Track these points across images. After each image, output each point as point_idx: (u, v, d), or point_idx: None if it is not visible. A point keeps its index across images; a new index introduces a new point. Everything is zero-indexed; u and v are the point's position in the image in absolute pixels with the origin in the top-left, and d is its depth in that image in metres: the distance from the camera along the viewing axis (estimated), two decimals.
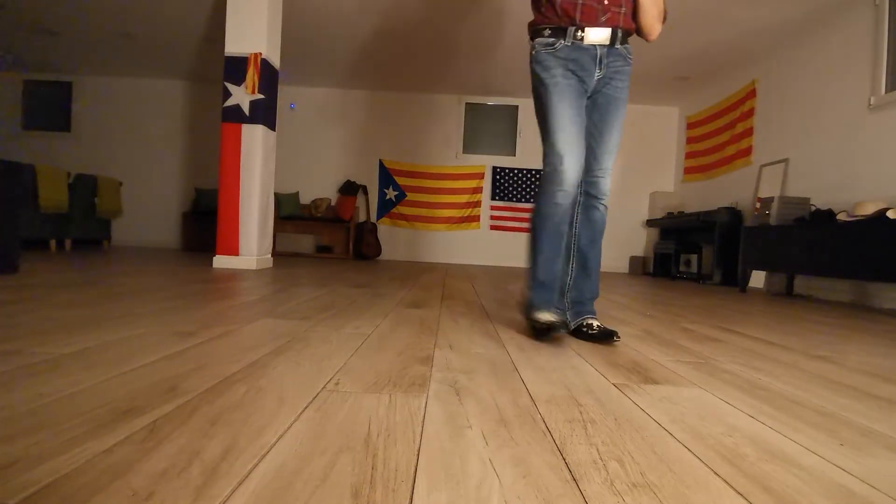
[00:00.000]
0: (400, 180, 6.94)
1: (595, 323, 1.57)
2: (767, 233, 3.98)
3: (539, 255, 1.57)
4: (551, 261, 1.57)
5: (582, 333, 1.56)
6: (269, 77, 3.84)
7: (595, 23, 1.49)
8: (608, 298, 2.94)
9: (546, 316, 1.48)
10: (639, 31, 1.58)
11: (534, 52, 1.58)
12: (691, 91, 6.17)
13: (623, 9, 1.51)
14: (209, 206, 6.41)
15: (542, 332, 1.49)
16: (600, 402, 0.91)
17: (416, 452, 0.64)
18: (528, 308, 1.57)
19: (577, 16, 1.49)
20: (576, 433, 0.75)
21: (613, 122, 1.57)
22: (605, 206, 1.61)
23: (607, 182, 1.60)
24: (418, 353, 1.22)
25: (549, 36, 1.54)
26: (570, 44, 1.51)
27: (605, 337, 1.50)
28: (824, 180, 4.10)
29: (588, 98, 1.58)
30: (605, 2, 1.48)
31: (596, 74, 1.53)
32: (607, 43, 1.51)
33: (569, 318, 1.62)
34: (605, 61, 1.52)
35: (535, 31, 1.60)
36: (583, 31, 1.50)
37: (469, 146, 7.00)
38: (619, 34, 1.52)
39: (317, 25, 4.91)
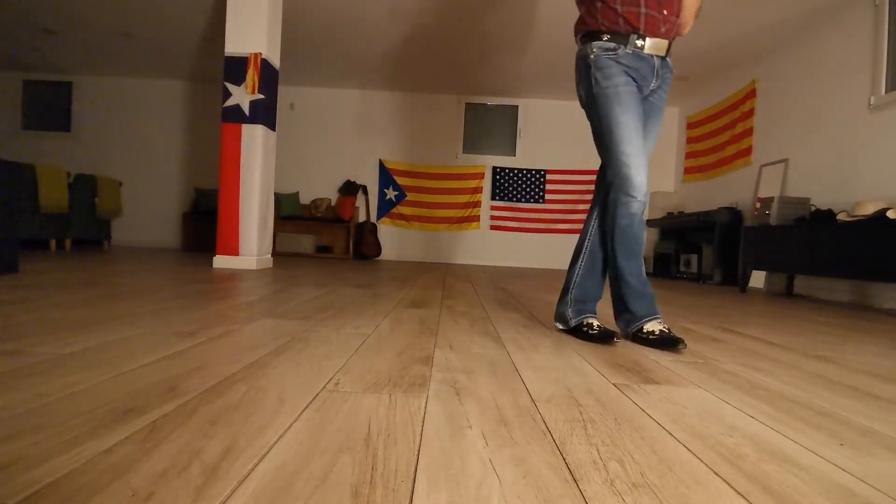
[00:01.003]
0: (400, 180, 6.94)
1: (594, 322, 1.58)
2: (767, 233, 3.98)
3: (634, 264, 1.56)
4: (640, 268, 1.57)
5: (582, 332, 1.57)
6: (269, 77, 3.84)
7: (657, 33, 1.49)
8: (608, 298, 2.94)
9: (654, 325, 1.50)
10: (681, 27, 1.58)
11: (592, 57, 1.53)
12: (691, 91, 6.17)
13: (677, 19, 1.52)
14: (209, 206, 6.41)
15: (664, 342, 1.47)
16: (600, 402, 0.91)
17: (416, 452, 0.64)
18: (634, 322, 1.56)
19: (641, 25, 1.48)
20: (576, 433, 0.75)
21: (653, 129, 1.60)
22: (641, 202, 1.55)
23: (643, 177, 1.56)
24: (418, 353, 1.22)
25: (609, 41, 1.51)
26: (630, 51, 1.50)
27: (605, 338, 1.50)
28: (824, 180, 4.10)
29: None
30: (665, 12, 1.48)
31: (652, 85, 1.55)
32: (663, 54, 1.53)
33: (570, 316, 1.62)
34: (660, 72, 1.54)
35: (590, 33, 1.55)
36: (643, 41, 1.49)
37: (469, 146, 7.00)
38: (670, 46, 1.54)
39: (317, 25, 4.91)
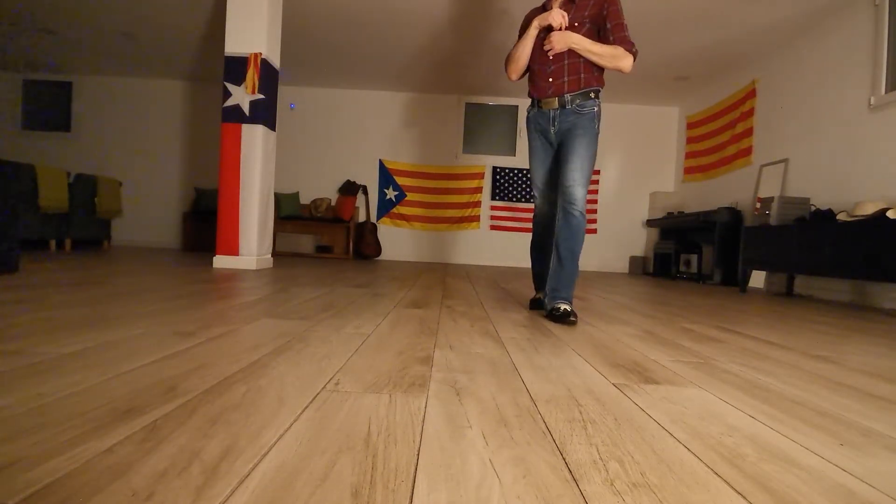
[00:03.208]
0: (400, 180, 6.94)
1: (561, 306, 1.92)
2: (767, 233, 3.98)
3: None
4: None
5: (551, 315, 1.93)
6: (269, 77, 3.84)
7: (546, 95, 2.08)
8: (608, 298, 2.95)
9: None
10: (614, 70, 2.02)
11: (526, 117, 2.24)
12: (691, 91, 6.17)
13: (566, 78, 2.03)
14: (209, 206, 6.41)
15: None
16: (600, 402, 0.91)
17: (416, 452, 0.64)
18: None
19: (535, 93, 2.13)
20: (576, 433, 0.75)
21: (572, 151, 2.01)
22: (580, 213, 1.97)
23: (577, 192, 1.98)
24: (418, 353, 1.22)
25: (530, 106, 2.18)
26: (535, 111, 2.15)
27: (564, 317, 1.86)
28: (824, 180, 4.10)
29: (557, 143, 2.11)
30: (550, 79, 2.06)
31: (553, 128, 2.09)
32: (556, 108, 2.06)
33: (546, 303, 2.01)
34: (557, 120, 2.07)
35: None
36: (541, 103, 2.11)
37: (469, 146, 7.00)
38: (568, 98, 2.03)
39: (317, 25, 4.91)
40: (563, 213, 2.00)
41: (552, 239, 2.12)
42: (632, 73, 5.62)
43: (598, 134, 2.03)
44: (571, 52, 2.01)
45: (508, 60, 2.18)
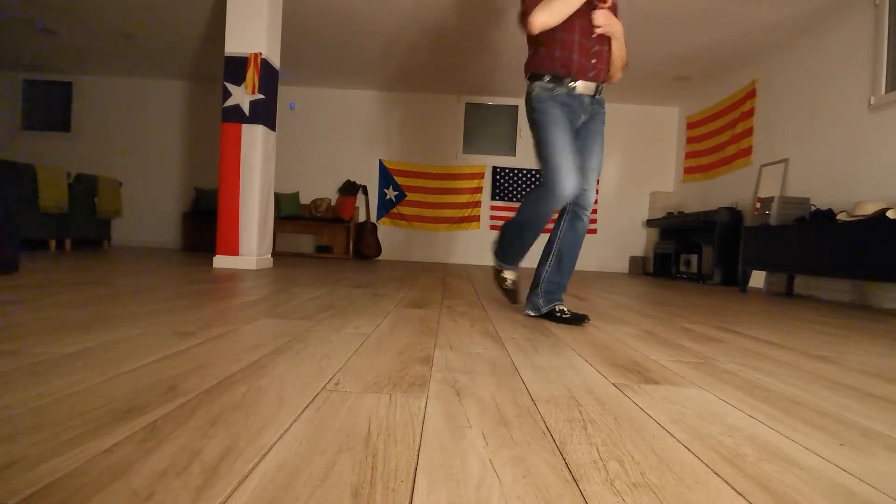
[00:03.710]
0: (400, 180, 6.94)
1: (565, 308, 1.87)
2: (767, 233, 3.98)
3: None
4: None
5: (555, 317, 1.86)
6: (269, 77, 3.84)
7: (585, 77, 1.81)
8: (608, 298, 2.94)
9: (510, 274, 2.13)
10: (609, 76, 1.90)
11: (533, 94, 1.85)
12: (691, 91, 6.17)
13: (604, 66, 1.84)
14: (209, 206, 6.41)
15: (508, 291, 2.14)
16: (600, 402, 0.91)
17: (416, 452, 0.64)
18: (499, 268, 2.13)
19: (573, 70, 1.79)
20: (576, 433, 0.75)
21: (595, 148, 1.88)
22: (588, 217, 1.89)
23: (591, 197, 1.88)
24: (418, 353, 1.22)
25: (549, 82, 1.82)
26: (564, 91, 1.81)
27: (577, 320, 1.82)
28: (824, 180, 4.10)
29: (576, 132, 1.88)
30: (594, 60, 1.80)
31: (582, 119, 1.85)
32: (592, 94, 1.83)
33: (541, 304, 1.92)
34: (589, 108, 1.85)
35: (534, 75, 1.87)
36: (575, 83, 1.80)
37: (469, 146, 7.00)
38: (600, 88, 1.86)
39: (317, 25, 4.91)
40: (572, 216, 1.87)
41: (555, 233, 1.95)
42: (632, 73, 5.62)
43: None
44: (606, 39, 1.81)
45: (542, 7, 1.72)
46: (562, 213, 1.93)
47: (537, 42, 1.84)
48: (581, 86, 1.80)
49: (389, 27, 4.87)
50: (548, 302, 1.91)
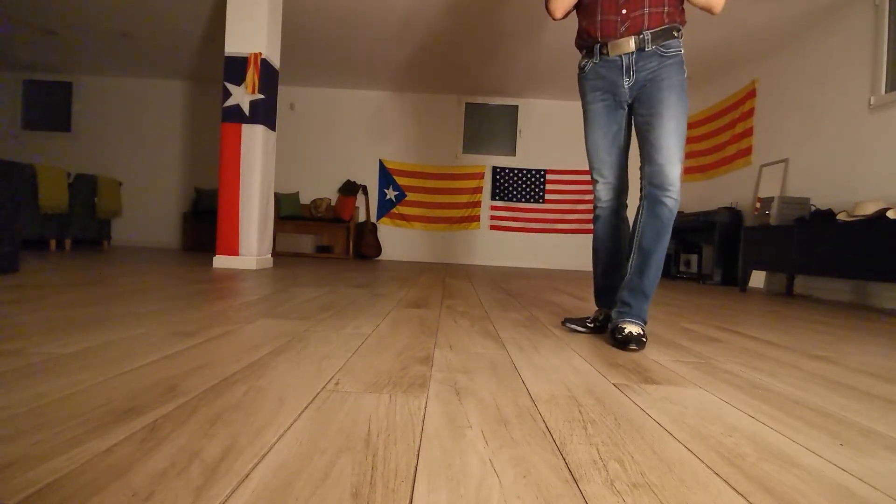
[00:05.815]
0: (400, 180, 6.94)
1: (629, 329, 1.45)
2: (767, 233, 3.98)
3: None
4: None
5: (615, 338, 1.45)
6: (269, 77, 3.84)
7: (616, 36, 1.53)
8: None
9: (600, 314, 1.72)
10: (704, 9, 1.52)
11: (578, 73, 1.70)
12: (691, 91, 6.16)
13: (647, 10, 1.49)
14: (209, 206, 6.41)
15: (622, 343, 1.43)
16: (600, 402, 0.91)
17: (416, 452, 0.64)
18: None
19: (598, 33, 1.55)
20: (576, 433, 0.75)
21: (662, 110, 1.49)
22: (674, 199, 1.47)
23: (673, 171, 1.47)
24: (418, 353, 1.22)
25: (583, 57, 1.65)
26: (597, 61, 1.59)
27: (626, 342, 1.42)
28: (824, 180, 4.10)
29: (631, 100, 1.58)
30: (624, 11, 1.50)
31: (627, 83, 1.55)
32: (632, 50, 1.51)
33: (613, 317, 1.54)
34: (633, 68, 1.53)
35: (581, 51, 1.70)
36: (606, 47, 1.55)
37: (469, 146, 7.00)
38: (648, 36, 1.49)
39: (317, 25, 4.91)
40: (650, 201, 1.49)
41: (621, 242, 1.66)
42: None
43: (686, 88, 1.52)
44: None
45: None
46: (640, 197, 1.57)
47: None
48: (613, 46, 1.53)
49: (389, 27, 4.87)
50: (618, 316, 1.51)
